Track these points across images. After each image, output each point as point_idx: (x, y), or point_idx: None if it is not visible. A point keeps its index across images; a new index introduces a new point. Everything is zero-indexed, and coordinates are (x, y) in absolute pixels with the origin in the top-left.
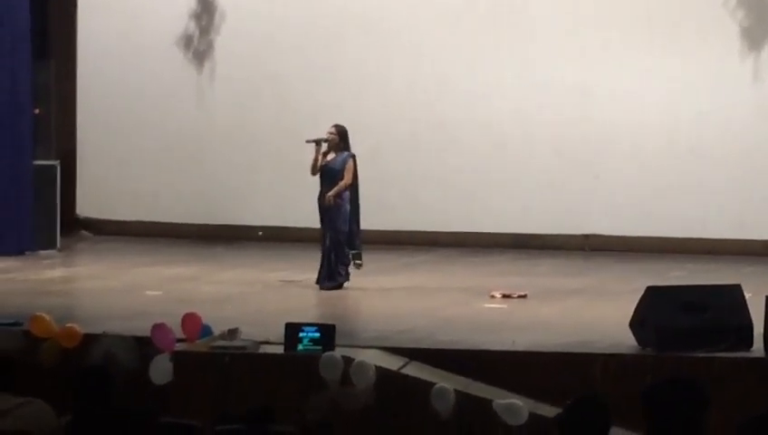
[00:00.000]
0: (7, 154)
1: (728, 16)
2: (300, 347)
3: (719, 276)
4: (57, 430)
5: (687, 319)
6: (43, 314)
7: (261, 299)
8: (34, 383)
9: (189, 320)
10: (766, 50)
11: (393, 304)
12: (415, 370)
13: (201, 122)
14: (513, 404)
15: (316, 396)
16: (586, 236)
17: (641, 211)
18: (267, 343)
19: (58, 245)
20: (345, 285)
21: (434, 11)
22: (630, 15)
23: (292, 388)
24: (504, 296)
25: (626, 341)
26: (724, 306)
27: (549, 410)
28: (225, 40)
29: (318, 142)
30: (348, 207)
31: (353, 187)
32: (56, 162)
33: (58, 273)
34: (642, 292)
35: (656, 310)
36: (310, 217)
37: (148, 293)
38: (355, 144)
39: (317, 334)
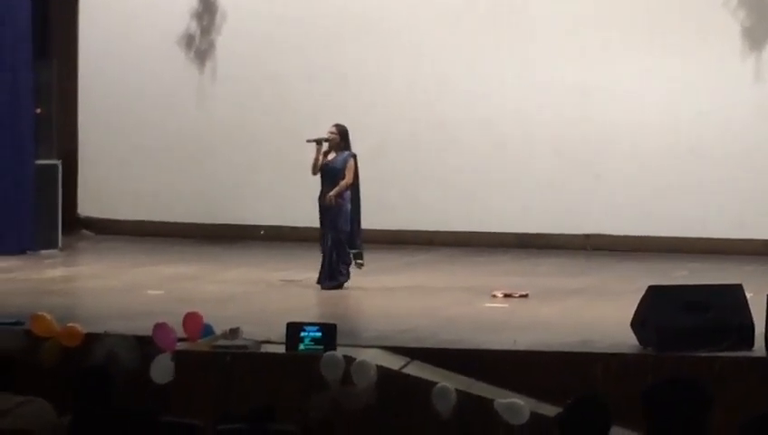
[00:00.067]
0: (8, 154)
1: (729, 16)
2: (301, 347)
3: (720, 276)
4: (58, 429)
5: (689, 319)
6: (45, 314)
7: (262, 298)
8: (35, 383)
9: (191, 319)
10: (767, 50)
11: (394, 303)
12: (416, 369)
13: (202, 122)
14: (514, 404)
15: (317, 395)
16: (587, 236)
17: (642, 211)
18: (269, 342)
19: (59, 244)
20: (346, 284)
21: (434, 11)
22: (631, 15)
23: (294, 387)
24: (506, 296)
25: (627, 340)
26: (726, 306)
27: (550, 410)
28: (226, 40)
29: (319, 142)
30: (349, 206)
31: (354, 186)
32: (57, 162)
33: (59, 272)
34: (643, 291)
35: (657, 310)
36: (311, 217)
37: (150, 292)
38: (356, 144)
39: (318, 334)
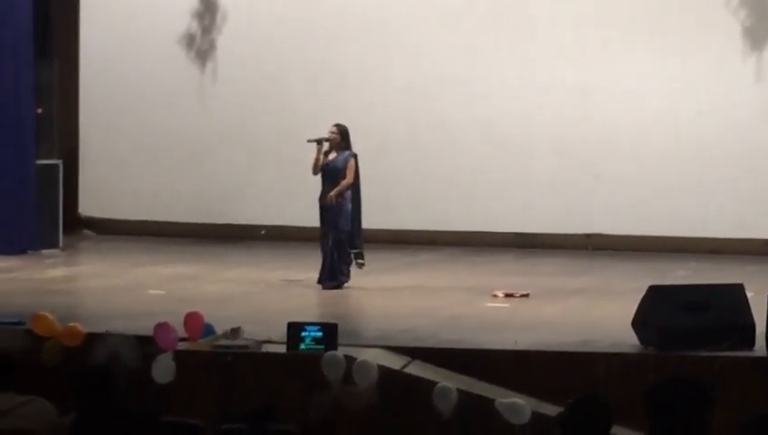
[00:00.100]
0: (10, 153)
1: (730, 16)
2: (302, 346)
3: (721, 276)
4: (60, 428)
5: (690, 318)
6: (46, 314)
7: (263, 298)
8: (37, 382)
9: (192, 319)
10: None
11: (395, 303)
12: (417, 369)
13: (203, 122)
14: (515, 403)
15: (319, 395)
16: (588, 236)
17: (643, 211)
18: (270, 342)
19: (60, 244)
20: (347, 284)
21: (434, 11)
22: (631, 15)
23: (295, 387)
24: (507, 296)
25: (628, 340)
26: (727, 306)
27: (551, 410)
28: (226, 40)
29: (319, 142)
30: (349, 206)
31: (355, 186)
32: (59, 161)
33: (60, 272)
34: (644, 291)
35: (658, 309)
36: (311, 217)
37: (151, 292)
38: (356, 144)
39: (319, 334)
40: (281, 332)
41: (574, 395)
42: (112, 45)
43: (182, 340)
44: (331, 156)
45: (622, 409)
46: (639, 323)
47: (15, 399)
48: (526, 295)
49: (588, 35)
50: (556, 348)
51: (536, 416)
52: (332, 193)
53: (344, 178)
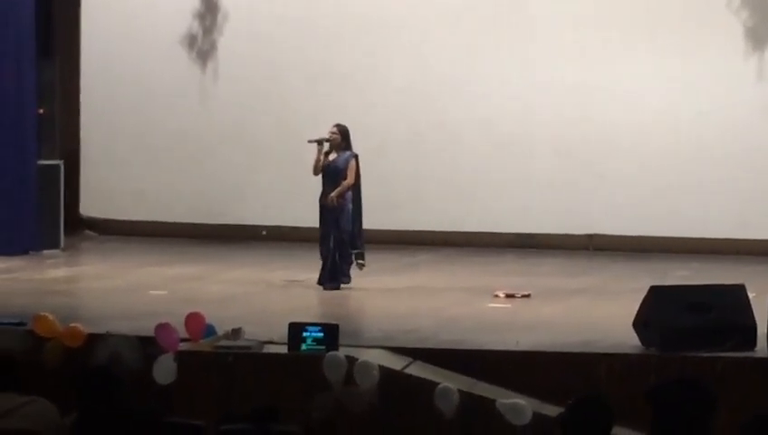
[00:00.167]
0: (11, 153)
1: (732, 16)
2: (303, 347)
3: (723, 276)
4: (61, 429)
5: (691, 319)
6: (47, 314)
7: (264, 299)
8: (38, 383)
9: (193, 320)
10: None
11: (396, 303)
12: (418, 369)
13: (204, 122)
14: (516, 404)
15: (320, 396)
16: (590, 236)
17: (644, 211)
18: (271, 342)
19: (62, 244)
20: (348, 285)
21: (434, 11)
22: (632, 15)
23: (296, 388)
24: (508, 296)
25: (630, 341)
26: (728, 306)
27: (553, 410)
28: (227, 40)
29: (320, 142)
30: (350, 206)
31: (356, 186)
32: (60, 162)
33: (62, 272)
34: (646, 292)
35: (659, 310)
36: (312, 217)
37: (152, 292)
38: (357, 144)
39: (320, 334)
40: (282, 332)
41: (575, 395)
42: (114, 46)
43: (183, 340)
44: (332, 156)
45: (624, 409)
46: (641, 323)
47: (17, 399)
48: (527, 296)
49: (588, 35)
50: (557, 349)
51: (537, 417)
52: (333, 194)
53: (345, 178)
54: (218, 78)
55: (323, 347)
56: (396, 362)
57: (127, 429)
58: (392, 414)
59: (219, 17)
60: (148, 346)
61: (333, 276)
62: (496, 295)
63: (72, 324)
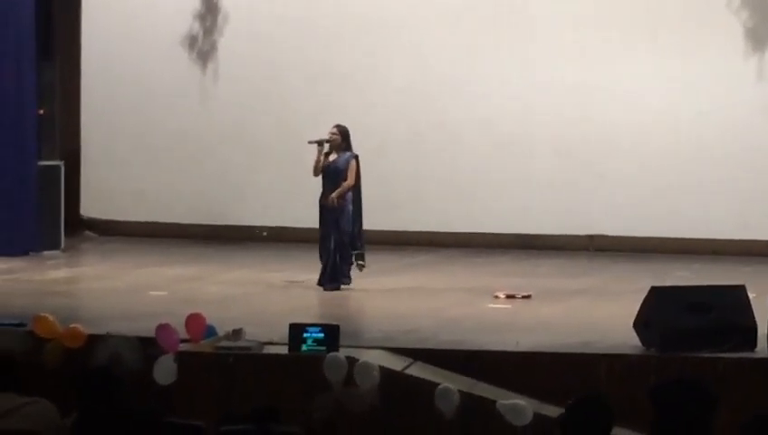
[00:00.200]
0: (11, 154)
1: (732, 16)
2: (304, 348)
3: (723, 277)
4: (62, 429)
5: (691, 319)
6: (47, 315)
7: (265, 299)
8: (38, 384)
9: (193, 320)
10: None
11: (397, 304)
12: (419, 370)
13: (205, 122)
14: (517, 405)
15: (320, 397)
16: (590, 237)
17: (645, 211)
18: (271, 343)
19: (62, 245)
20: (348, 285)
21: (434, 11)
22: (632, 15)
23: (297, 389)
24: (508, 297)
25: (630, 341)
26: (729, 307)
27: (553, 411)
28: (227, 41)
29: (320, 143)
30: (350, 207)
31: (356, 187)
32: (60, 162)
33: (62, 273)
34: (646, 292)
35: (660, 310)
36: (313, 218)
37: (153, 293)
38: (357, 144)
39: (321, 335)
40: (282, 333)
41: (574, 396)
42: (114, 46)
43: (184, 341)
44: (332, 157)
45: (624, 410)
46: (641, 324)
47: (17, 400)
48: (528, 297)
49: (588, 35)
50: (558, 349)
51: (538, 417)
52: (334, 195)
53: (345, 179)
54: (218, 78)
55: (324, 348)
56: (396, 363)
57: (127, 429)
58: (393, 415)
59: (219, 18)
60: (148, 347)
61: (334, 277)
62: (497, 296)
63: (73, 325)
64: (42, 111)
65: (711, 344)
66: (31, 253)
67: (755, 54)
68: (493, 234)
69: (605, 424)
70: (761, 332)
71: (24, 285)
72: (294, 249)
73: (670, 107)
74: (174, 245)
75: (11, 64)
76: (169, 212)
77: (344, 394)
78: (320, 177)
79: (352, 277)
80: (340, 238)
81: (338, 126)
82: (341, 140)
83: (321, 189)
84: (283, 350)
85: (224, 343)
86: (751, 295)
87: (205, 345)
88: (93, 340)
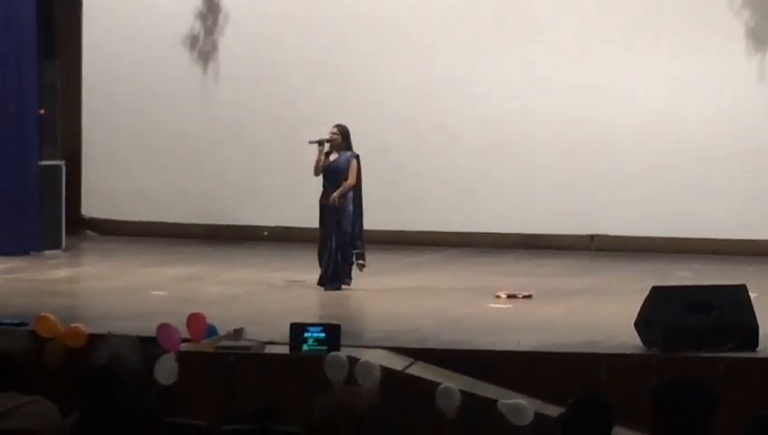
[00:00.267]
0: (12, 154)
1: (733, 16)
2: (305, 347)
3: (724, 276)
4: (62, 429)
5: (693, 319)
6: (49, 314)
7: (266, 299)
8: (39, 383)
9: (194, 320)
10: None
11: (398, 304)
12: (420, 370)
13: (206, 122)
14: (518, 404)
15: (321, 396)
16: (591, 237)
17: (646, 211)
18: (272, 343)
19: (63, 245)
20: (349, 285)
21: (434, 11)
22: (632, 15)
23: (297, 388)
24: (509, 296)
25: (631, 341)
26: (730, 307)
27: (554, 411)
28: (229, 40)
29: (321, 143)
30: (351, 207)
31: (357, 187)
32: (61, 162)
33: (63, 273)
34: (647, 292)
35: (661, 310)
36: (314, 218)
37: (154, 293)
38: (357, 144)
39: (322, 334)
40: (283, 333)
41: (575, 396)
42: (115, 46)
43: (185, 341)
44: (333, 157)
45: (625, 410)
46: (642, 323)
47: (18, 399)
48: (529, 296)
49: (588, 35)
50: (559, 349)
51: (539, 417)
52: (335, 194)
53: (346, 178)
54: (219, 78)
55: (325, 347)
56: (397, 363)
57: (128, 429)
58: (394, 414)
59: (221, 18)
60: (149, 346)
61: (335, 277)
62: (498, 296)
63: (74, 325)
64: (43, 111)
65: (712, 344)
66: (32, 252)
67: (756, 54)
68: (493, 234)
69: (605, 424)
70: (762, 331)
71: (25, 284)
72: (295, 249)
73: (671, 107)
74: (175, 244)
75: (12, 64)
76: (170, 212)
77: (345, 394)
78: (320, 177)
79: (353, 277)
80: (342, 238)
81: (338, 126)
82: (342, 139)
83: (321, 189)
84: (284, 349)
85: (225, 343)
86: (752, 295)
87: (206, 345)
88: (94, 339)
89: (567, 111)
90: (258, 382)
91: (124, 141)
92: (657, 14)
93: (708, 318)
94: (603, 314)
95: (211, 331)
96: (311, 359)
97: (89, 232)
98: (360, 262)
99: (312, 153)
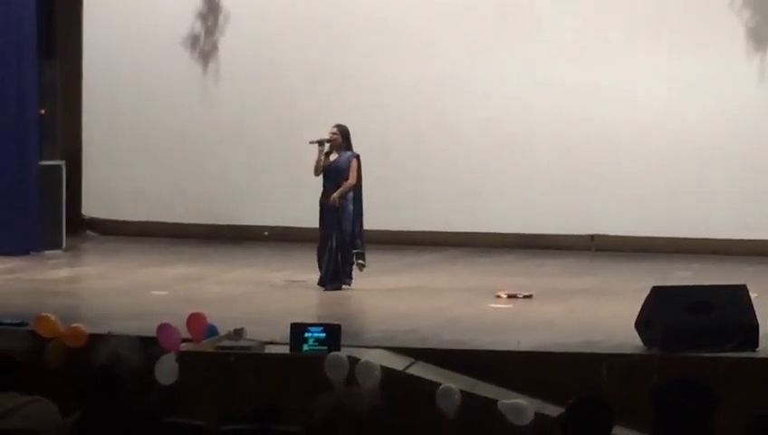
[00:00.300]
0: (13, 154)
1: (734, 16)
2: (305, 347)
3: (724, 276)
4: (63, 429)
5: (693, 319)
6: (49, 314)
7: (266, 299)
8: (40, 383)
9: (195, 320)
10: None
11: (398, 304)
12: (420, 370)
13: (206, 122)
14: (518, 404)
15: (322, 396)
16: (592, 237)
17: (646, 211)
18: (273, 343)
19: (63, 245)
20: (350, 285)
21: (434, 11)
22: (632, 15)
23: (298, 388)
24: (510, 296)
25: (631, 341)
26: (730, 306)
27: (554, 411)
28: (229, 41)
29: (321, 143)
30: (351, 207)
31: (357, 186)
32: (62, 162)
33: (63, 273)
34: (647, 292)
35: (661, 310)
36: (314, 218)
37: (154, 293)
38: (357, 144)
39: (322, 334)
40: (284, 333)
41: (575, 396)
42: (115, 46)
43: (185, 341)
44: (333, 157)
45: (626, 410)
46: (643, 324)
47: (18, 399)
48: (529, 296)
49: (588, 35)
50: (559, 349)
51: (539, 417)
52: (336, 194)
53: (347, 178)
54: (219, 78)
55: (325, 347)
56: (397, 363)
57: (128, 429)
58: (394, 414)
59: (221, 18)
60: (149, 346)
61: (335, 277)
62: (498, 296)
63: (74, 325)
64: (43, 111)
65: (712, 344)
66: (32, 252)
67: (757, 54)
68: (494, 234)
69: (605, 424)
70: (762, 331)
71: (25, 284)
72: (295, 249)
73: (671, 107)
74: (175, 244)
75: (12, 64)
76: (170, 212)
77: (346, 394)
78: (320, 177)
79: (353, 277)
80: (342, 238)
81: (338, 126)
82: (342, 139)
83: (321, 189)
84: (285, 349)
85: (225, 343)
86: (752, 295)
87: (206, 345)
88: (95, 339)
89: (567, 111)
90: (258, 382)
91: (124, 141)
92: (657, 14)
93: (708, 318)
94: (603, 314)
95: (211, 331)
96: (311, 359)
97: (89, 232)
98: (360, 262)
99: (313, 153)
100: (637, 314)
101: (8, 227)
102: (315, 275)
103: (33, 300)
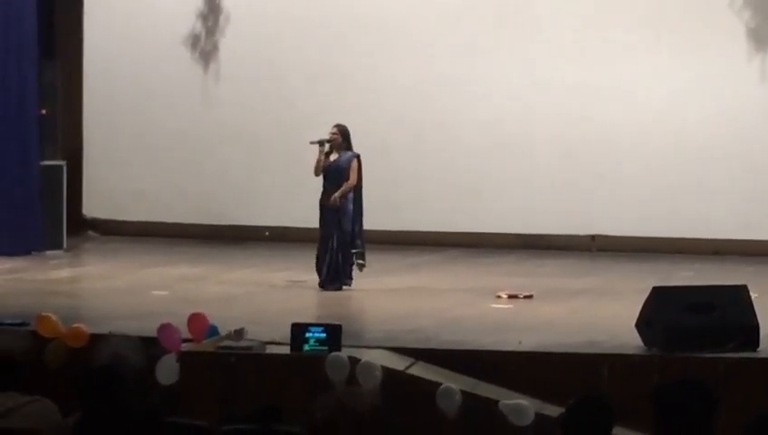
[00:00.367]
0: (13, 154)
1: (734, 17)
2: (306, 347)
3: (725, 277)
4: (63, 429)
5: (694, 319)
6: (50, 315)
7: (267, 299)
8: (40, 383)
9: (196, 320)
10: None
11: (399, 304)
12: (421, 370)
13: (207, 123)
14: (519, 405)
15: (322, 396)
16: (592, 237)
17: (646, 211)
18: (273, 343)
19: (64, 245)
20: (350, 286)
21: (434, 11)
22: (632, 15)
23: (299, 388)
24: (511, 297)
25: (632, 341)
26: (731, 307)
27: (555, 411)
28: (229, 41)
29: (321, 143)
30: (351, 207)
31: (357, 187)
32: (62, 162)
33: (64, 273)
34: (648, 292)
35: (662, 310)
36: (314, 217)
37: (155, 293)
38: (358, 144)
39: (323, 335)
40: (284, 333)
41: (575, 396)
42: (116, 47)
43: (186, 341)
44: (333, 157)
45: (626, 410)
46: (643, 324)
47: (18, 399)
48: (530, 297)
49: (589, 35)
50: (560, 349)
51: (540, 417)
52: (336, 194)
53: (347, 178)
54: (220, 78)
55: (326, 348)
56: (398, 363)
57: (129, 429)
58: (395, 415)
59: (221, 18)
60: (150, 347)
61: (335, 277)
62: (499, 296)
63: (75, 325)
64: (44, 111)
65: (713, 344)
66: (33, 253)
67: (757, 55)
68: (494, 234)
69: (606, 424)
70: (763, 332)
71: (26, 284)
72: (295, 249)
73: (671, 107)
74: (176, 244)
75: (13, 64)
76: (171, 212)
77: (346, 394)
78: (320, 177)
79: (354, 277)
80: (343, 238)
81: (338, 126)
82: (342, 139)
83: (321, 189)
84: (286, 350)
85: (226, 343)
86: (753, 295)
87: (207, 345)
88: (96, 339)
89: (567, 111)
90: (259, 383)
91: (125, 141)
92: (657, 15)
93: (709, 318)
94: (604, 314)
95: (212, 331)
96: (312, 359)
97: (90, 232)
98: (360, 262)
99: (313, 153)
100: (637, 314)
101: (9, 227)
102: (315, 276)
103: (34, 300)
